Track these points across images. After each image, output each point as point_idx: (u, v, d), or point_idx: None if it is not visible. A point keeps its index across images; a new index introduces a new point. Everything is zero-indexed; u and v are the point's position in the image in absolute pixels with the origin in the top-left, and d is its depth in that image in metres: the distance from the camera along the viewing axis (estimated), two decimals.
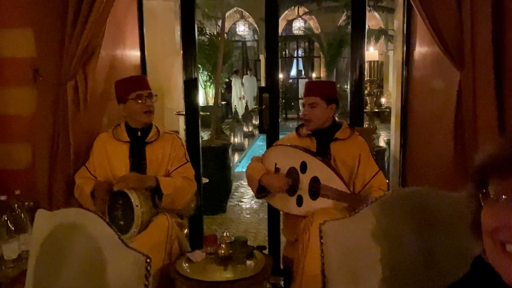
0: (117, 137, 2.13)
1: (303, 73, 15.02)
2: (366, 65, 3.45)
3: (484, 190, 0.64)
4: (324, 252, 1.22)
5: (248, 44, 14.75)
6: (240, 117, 10.30)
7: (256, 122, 9.15)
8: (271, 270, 1.87)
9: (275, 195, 2.19)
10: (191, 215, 2.40)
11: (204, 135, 7.01)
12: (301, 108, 2.59)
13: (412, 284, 1.15)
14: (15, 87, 2.21)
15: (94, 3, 2.00)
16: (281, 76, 12.41)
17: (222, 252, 1.87)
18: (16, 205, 1.89)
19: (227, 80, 11.23)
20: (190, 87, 2.79)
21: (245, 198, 5.01)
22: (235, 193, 5.13)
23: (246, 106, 10.59)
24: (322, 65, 13.36)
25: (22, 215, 1.89)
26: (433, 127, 2.32)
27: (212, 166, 4.29)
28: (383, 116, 6.92)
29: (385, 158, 3.90)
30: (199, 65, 7.40)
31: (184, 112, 2.86)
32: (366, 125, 3.70)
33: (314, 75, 14.06)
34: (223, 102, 11.21)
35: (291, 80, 14.84)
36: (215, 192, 4.25)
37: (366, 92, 3.91)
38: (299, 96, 14.09)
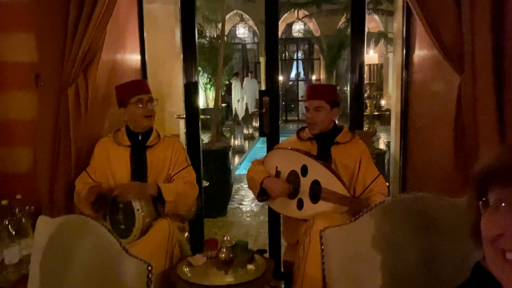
0: (118, 141, 2.14)
1: (302, 75, 15.03)
2: (366, 68, 3.46)
3: (483, 198, 0.64)
4: (324, 258, 1.22)
5: (248, 46, 14.77)
6: (240, 119, 10.31)
7: (256, 124, 9.16)
8: (272, 274, 1.87)
9: (275, 199, 2.19)
10: (191, 219, 2.40)
11: (205, 137, 7.02)
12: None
13: None
14: (17, 91, 2.21)
15: (95, 8, 2.01)
16: (281, 78, 12.45)
17: (223, 256, 1.87)
18: (17, 209, 1.90)
19: (227, 82, 11.25)
20: (190, 90, 2.80)
21: (245, 200, 5.00)
22: (236, 196, 5.13)
23: (246, 109, 10.60)
24: (322, 67, 13.37)
25: (23, 219, 1.89)
26: (433, 130, 2.32)
27: (212, 169, 4.29)
28: (383, 118, 6.93)
29: (385, 160, 3.91)
30: (199, 68, 7.41)
31: (184, 116, 2.86)
32: (366, 128, 3.71)
33: (314, 77, 14.08)
34: (223, 105, 11.23)
35: (291, 82, 14.85)
36: (215, 195, 4.25)
37: (365, 95, 3.91)
38: (298, 98, 14.13)
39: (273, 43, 2.68)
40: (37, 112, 2.15)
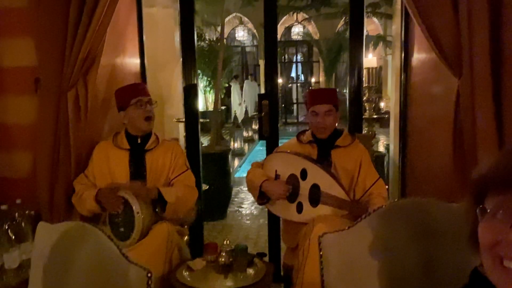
0: (117, 144, 2.14)
1: (301, 77, 15.05)
2: (365, 72, 3.47)
3: (481, 205, 0.65)
4: (323, 264, 1.22)
5: (248, 49, 14.79)
6: (240, 122, 10.32)
7: (256, 126, 9.17)
8: (271, 278, 1.87)
9: (275, 202, 2.20)
10: (191, 223, 2.40)
11: (204, 140, 7.02)
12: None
13: None
14: (16, 96, 2.22)
15: (95, 12, 2.02)
16: (280, 81, 12.45)
17: (223, 260, 1.87)
18: (17, 214, 1.90)
19: (227, 85, 11.26)
20: (190, 93, 2.81)
21: (245, 203, 5.00)
22: (235, 199, 5.13)
23: (246, 111, 10.61)
24: (321, 70, 13.39)
25: (23, 224, 1.89)
26: (432, 132, 2.33)
27: (212, 172, 4.29)
28: (382, 120, 6.93)
29: (385, 163, 3.91)
30: (199, 71, 7.42)
31: (184, 119, 2.87)
32: (365, 131, 3.72)
33: (313, 80, 14.09)
34: (223, 107, 11.23)
35: (290, 85, 14.87)
36: (215, 198, 4.24)
37: (364, 98, 3.92)
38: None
39: (272, 47, 2.69)
40: (36, 117, 2.15)
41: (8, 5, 2.17)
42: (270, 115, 2.67)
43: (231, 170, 5.07)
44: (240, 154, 8.08)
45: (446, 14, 1.84)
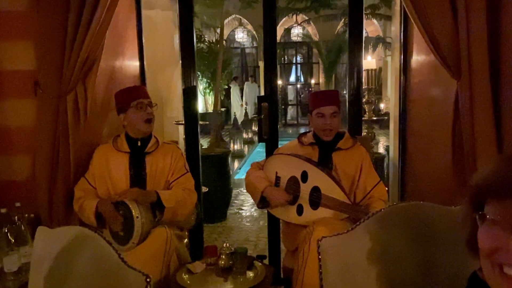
0: (117, 147, 2.14)
1: (301, 79, 15.05)
2: (364, 74, 3.47)
3: (480, 212, 0.65)
4: (322, 268, 1.22)
5: (247, 50, 14.80)
6: (239, 123, 10.32)
7: (255, 128, 9.17)
8: (271, 281, 1.87)
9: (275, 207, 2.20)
10: (191, 228, 2.40)
11: (204, 142, 7.02)
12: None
13: None
14: (16, 99, 2.22)
15: (94, 15, 2.02)
16: (280, 82, 12.46)
17: (222, 263, 1.87)
18: (16, 217, 1.89)
19: (226, 86, 11.27)
20: (189, 95, 2.80)
21: (245, 205, 5.00)
22: (235, 201, 5.13)
23: (246, 113, 10.61)
24: (321, 71, 13.40)
25: (23, 227, 1.88)
26: (431, 134, 2.33)
27: (212, 174, 4.29)
28: (382, 122, 6.94)
29: (384, 164, 3.91)
30: (198, 72, 7.42)
31: (183, 121, 2.87)
32: (365, 133, 3.72)
33: (313, 81, 14.10)
34: (223, 109, 11.24)
35: (290, 86, 14.87)
36: (215, 200, 4.24)
37: (364, 100, 3.92)
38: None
39: (271, 49, 2.69)
40: (36, 120, 2.15)
41: (7, 8, 2.17)
42: (270, 117, 2.67)
43: (231, 172, 5.07)
44: (240, 156, 8.08)
45: (444, 16, 1.84)
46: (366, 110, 4.05)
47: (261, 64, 12.58)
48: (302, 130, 8.68)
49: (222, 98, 11.34)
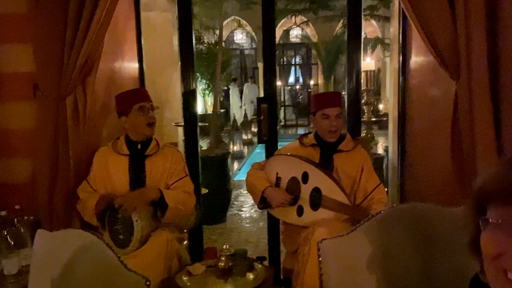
0: (117, 150, 2.14)
1: (300, 80, 15.07)
2: (363, 75, 3.48)
3: (483, 216, 0.64)
4: (322, 270, 1.22)
5: (246, 52, 14.82)
6: (239, 125, 10.32)
7: (255, 129, 9.17)
8: (271, 282, 1.87)
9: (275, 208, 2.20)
10: (190, 229, 2.39)
11: (203, 144, 7.02)
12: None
13: None
14: (15, 102, 2.21)
15: (93, 17, 2.02)
16: (279, 83, 12.46)
17: (222, 264, 1.87)
18: (16, 220, 1.89)
19: (226, 88, 11.28)
20: (189, 97, 2.81)
21: (245, 207, 5.00)
22: (235, 202, 5.13)
23: (245, 114, 10.62)
24: (319, 72, 13.41)
25: (22, 230, 1.88)
26: (431, 135, 2.33)
27: (211, 176, 4.29)
28: (381, 122, 6.94)
29: (384, 165, 3.91)
30: (198, 74, 7.43)
31: (182, 123, 2.87)
32: (364, 134, 3.72)
33: (312, 82, 14.11)
34: (222, 110, 11.25)
35: (289, 87, 14.88)
36: (215, 202, 4.24)
37: (363, 101, 3.93)
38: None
39: (270, 50, 2.70)
40: (35, 122, 2.15)
41: (6, 11, 2.17)
42: (269, 119, 2.68)
43: (231, 173, 5.07)
44: (239, 157, 8.08)
45: (443, 17, 1.84)
46: (365, 111, 4.06)
47: (260, 65, 12.59)
48: (301, 131, 8.69)
49: (221, 99, 11.35)
